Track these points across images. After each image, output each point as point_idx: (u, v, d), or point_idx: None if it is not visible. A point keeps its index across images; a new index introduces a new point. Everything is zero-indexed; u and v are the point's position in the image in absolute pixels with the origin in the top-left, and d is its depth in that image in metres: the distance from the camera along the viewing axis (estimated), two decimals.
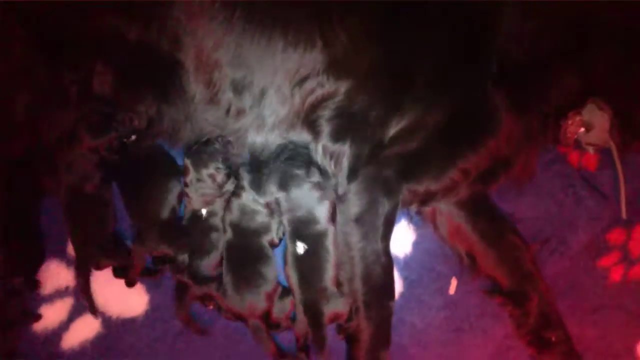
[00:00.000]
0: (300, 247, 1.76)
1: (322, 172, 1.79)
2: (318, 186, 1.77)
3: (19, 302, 1.82)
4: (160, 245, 1.79)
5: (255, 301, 1.74)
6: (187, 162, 1.80)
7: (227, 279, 1.75)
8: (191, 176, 1.80)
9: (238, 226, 1.79)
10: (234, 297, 1.74)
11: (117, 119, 1.79)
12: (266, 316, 1.77)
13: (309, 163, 1.79)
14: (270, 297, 1.75)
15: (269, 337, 1.77)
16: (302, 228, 1.77)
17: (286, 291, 1.79)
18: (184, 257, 1.79)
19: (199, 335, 1.85)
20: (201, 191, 1.81)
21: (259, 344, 1.77)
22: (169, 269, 1.84)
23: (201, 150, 1.80)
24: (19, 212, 1.85)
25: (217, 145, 1.81)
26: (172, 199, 1.84)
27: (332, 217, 1.77)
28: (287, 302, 1.78)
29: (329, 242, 1.75)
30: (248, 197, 1.80)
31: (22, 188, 1.84)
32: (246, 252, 1.78)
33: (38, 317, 1.87)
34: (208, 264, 1.79)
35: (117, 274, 1.86)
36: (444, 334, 1.88)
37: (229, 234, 1.80)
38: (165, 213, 1.82)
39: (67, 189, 1.79)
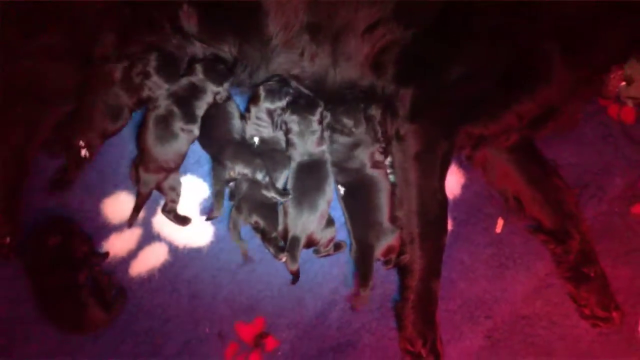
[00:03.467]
0: (341, 190, 1.93)
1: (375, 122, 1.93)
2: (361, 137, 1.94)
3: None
4: (237, 165, 1.89)
5: (308, 221, 1.87)
6: (261, 91, 1.92)
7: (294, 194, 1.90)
8: (257, 105, 1.92)
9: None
10: (292, 213, 1.88)
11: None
12: None
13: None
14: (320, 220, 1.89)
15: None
16: (346, 174, 1.94)
17: (330, 221, 1.92)
18: (262, 176, 1.90)
19: (244, 258, 1.96)
20: (256, 121, 1.94)
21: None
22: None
23: (275, 87, 1.92)
24: None
25: (290, 89, 1.94)
26: (236, 122, 1.98)
27: (375, 164, 1.93)
28: (328, 232, 1.91)
29: (379, 185, 1.91)
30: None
31: None
32: (313, 174, 1.92)
33: (105, 255, 1.95)
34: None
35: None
36: (490, 270, 2.01)
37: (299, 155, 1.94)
38: (234, 134, 1.95)
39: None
